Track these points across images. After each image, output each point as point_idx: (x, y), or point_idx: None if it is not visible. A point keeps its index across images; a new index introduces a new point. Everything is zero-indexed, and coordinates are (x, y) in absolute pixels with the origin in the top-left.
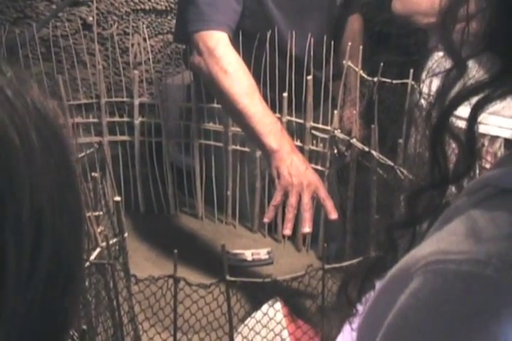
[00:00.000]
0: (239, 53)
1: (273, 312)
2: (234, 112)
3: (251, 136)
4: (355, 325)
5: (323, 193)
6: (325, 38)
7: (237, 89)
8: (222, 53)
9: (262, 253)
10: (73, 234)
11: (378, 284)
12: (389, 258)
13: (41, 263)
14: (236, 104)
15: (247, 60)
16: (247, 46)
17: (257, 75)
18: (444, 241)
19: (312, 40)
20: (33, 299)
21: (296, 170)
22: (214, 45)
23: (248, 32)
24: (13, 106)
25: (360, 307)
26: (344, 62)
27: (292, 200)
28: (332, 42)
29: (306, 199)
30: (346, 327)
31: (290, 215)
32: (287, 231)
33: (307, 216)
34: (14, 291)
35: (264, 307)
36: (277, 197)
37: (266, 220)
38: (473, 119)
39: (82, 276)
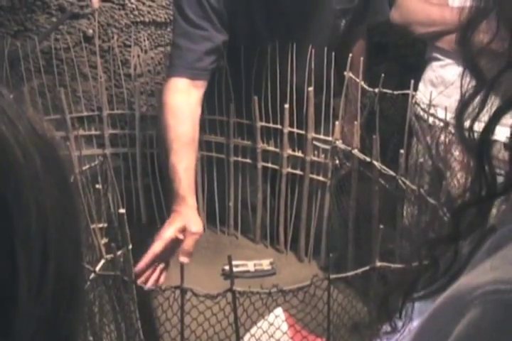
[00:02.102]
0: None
1: (278, 322)
2: (167, 160)
3: (170, 187)
4: None
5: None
6: (325, 67)
7: (163, 139)
8: (164, 100)
9: (265, 264)
10: (74, 249)
11: (418, 305)
12: (431, 275)
13: (48, 277)
14: (170, 156)
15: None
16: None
17: (257, 89)
18: (500, 270)
19: (313, 70)
20: (41, 313)
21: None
22: (164, 91)
23: (246, 59)
24: (16, 127)
25: (399, 323)
26: (345, 73)
27: None
28: (333, 70)
29: None
30: None
31: None
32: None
33: None
34: (25, 305)
35: (270, 317)
36: None
37: None
38: None
39: (83, 289)
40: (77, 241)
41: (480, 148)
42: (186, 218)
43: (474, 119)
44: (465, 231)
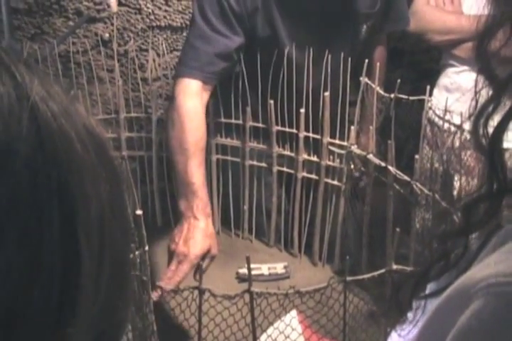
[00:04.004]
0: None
1: (294, 323)
2: (174, 166)
3: (179, 193)
4: (404, 332)
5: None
6: (342, 73)
7: (175, 143)
8: (180, 102)
9: (279, 268)
10: (123, 238)
11: (429, 303)
12: (441, 266)
13: (105, 265)
14: (171, 156)
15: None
16: (264, 70)
17: (274, 93)
18: (503, 264)
19: (330, 75)
20: (99, 300)
21: (184, 238)
22: (177, 93)
23: (263, 63)
24: (75, 121)
25: (409, 314)
26: (361, 78)
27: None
28: (349, 77)
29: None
30: (393, 334)
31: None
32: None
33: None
34: (88, 293)
35: (287, 318)
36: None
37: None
38: None
39: (131, 278)
40: (126, 232)
41: (492, 144)
42: (212, 238)
43: (488, 118)
44: (476, 226)
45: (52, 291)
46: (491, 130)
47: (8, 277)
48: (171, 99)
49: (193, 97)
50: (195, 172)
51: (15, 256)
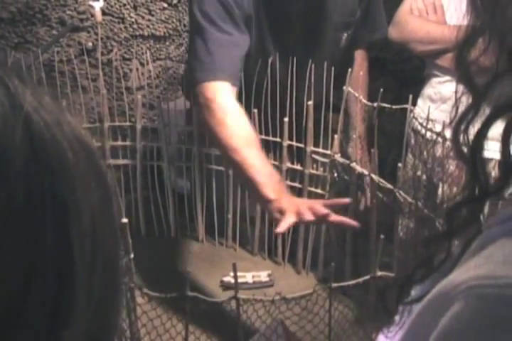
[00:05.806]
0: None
1: (279, 330)
2: (233, 163)
3: (250, 186)
4: (391, 334)
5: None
6: (325, 81)
7: (235, 141)
8: (220, 104)
9: (263, 276)
10: (114, 244)
11: (415, 306)
12: (425, 270)
13: (97, 271)
14: (235, 156)
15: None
16: (248, 79)
17: (257, 102)
18: (482, 268)
19: (313, 82)
20: (92, 304)
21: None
22: (212, 96)
23: (248, 70)
24: (66, 131)
25: (396, 317)
26: (344, 88)
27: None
28: (332, 85)
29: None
30: (380, 337)
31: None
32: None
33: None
34: (82, 298)
35: (273, 325)
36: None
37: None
38: (507, 136)
39: (122, 281)
40: (116, 238)
41: (473, 149)
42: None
43: (468, 126)
44: (458, 229)
45: (47, 297)
46: (471, 137)
47: (3, 284)
48: (204, 104)
49: (230, 97)
50: (261, 162)
51: (10, 263)
